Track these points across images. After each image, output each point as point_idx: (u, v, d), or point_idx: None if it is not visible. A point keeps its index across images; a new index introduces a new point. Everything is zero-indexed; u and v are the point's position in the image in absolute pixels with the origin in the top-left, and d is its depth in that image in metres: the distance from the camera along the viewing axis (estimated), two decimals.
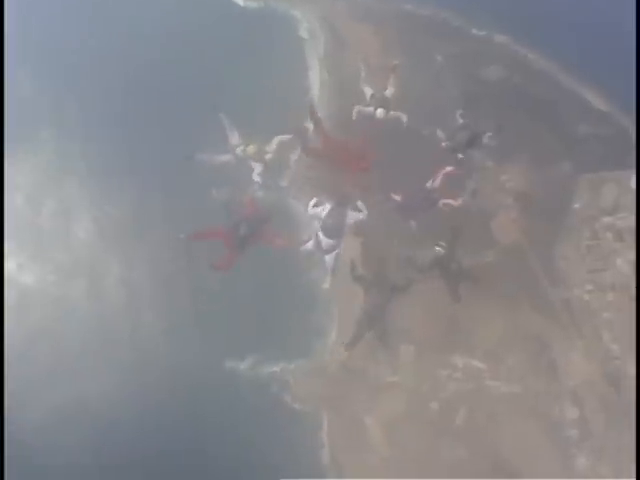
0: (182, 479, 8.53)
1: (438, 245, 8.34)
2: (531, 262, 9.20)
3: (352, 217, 8.10)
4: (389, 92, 8.95)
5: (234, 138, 8.62)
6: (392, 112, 8.71)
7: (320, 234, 8.19)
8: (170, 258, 9.24)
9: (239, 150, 8.46)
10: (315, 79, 9.85)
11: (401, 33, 10.31)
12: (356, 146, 8.42)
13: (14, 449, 8.05)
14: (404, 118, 8.81)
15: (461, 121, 8.93)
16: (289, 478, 8.12)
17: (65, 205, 9.34)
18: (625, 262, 8.64)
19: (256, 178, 8.48)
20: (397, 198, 8.43)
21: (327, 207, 8.26)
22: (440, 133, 8.71)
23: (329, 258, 8.10)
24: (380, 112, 8.75)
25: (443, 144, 8.93)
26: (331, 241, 8.05)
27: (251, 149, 8.53)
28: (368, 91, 9.02)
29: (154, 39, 9.82)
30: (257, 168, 8.51)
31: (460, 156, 8.81)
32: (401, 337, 8.65)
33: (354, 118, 8.81)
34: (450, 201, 8.11)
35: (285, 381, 8.57)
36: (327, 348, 8.71)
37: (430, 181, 8.31)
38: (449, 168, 8.06)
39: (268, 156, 8.75)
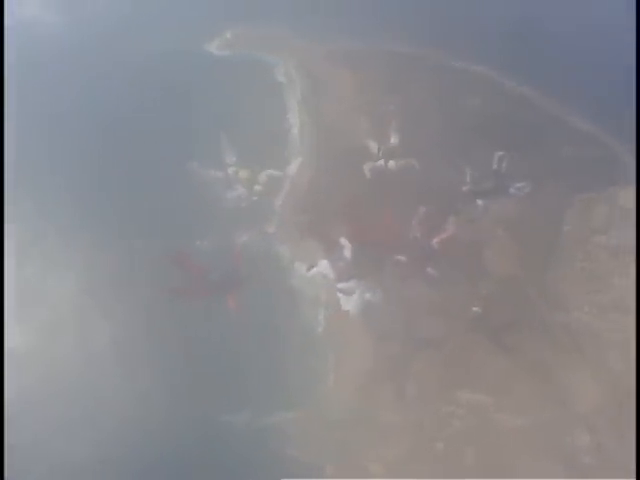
0: None
1: (475, 306, 8.75)
2: (527, 289, 9.15)
3: (347, 251, 8.56)
4: (394, 140, 9.46)
5: (230, 157, 9.01)
6: (402, 161, 9.25)
7: (340, 285, 8.57)
8: (161, 311, 9.51)
9: (231, 170, 8.92)
10: (295, 121, 10.56)
11: (379, 73, 11.02)
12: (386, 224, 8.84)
13: None
14: (416, 165, 9.24)
15: (495, 166, 9.32)
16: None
17: (49, 261, 9.46)
18: (622, 280, 8.83)
19: (230, 194, 8.70)
20: (402, 258, 8.89)
21: (325, 263, 8.80)
22: (468, 176, 9.07)
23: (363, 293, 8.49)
24: (392, 164, 9.22)
25: (464, 188, 9.29)
26: (352, 282, 8.41)
27: (243, 174, 8.95)
28: (373, 145, 9.55)
29: (134, 91, 9.79)
30: (238, 190, 8.87)
31: (479, 202, 9.01)
32: (402, 374, 8.69)
33: (369, 177, 9.25)
34: (441, 237, 8.66)
35: (284, 431, 8.28)
36: (326, 394, 8.45)
37: (412, 233, 8.78)
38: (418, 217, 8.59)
39: (257, 188, 9.06)
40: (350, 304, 8.31)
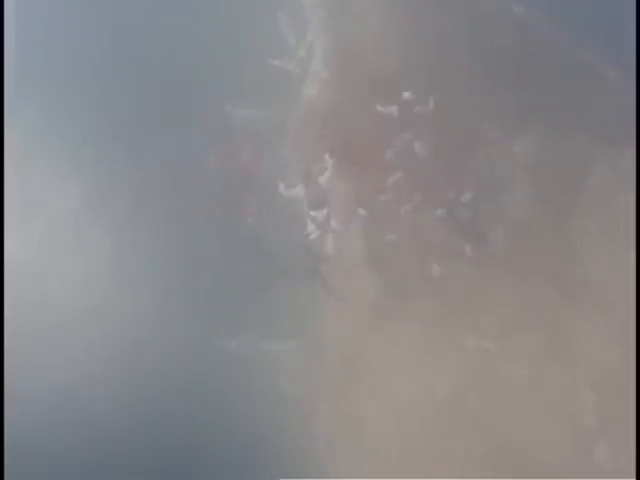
0: (170, 455, 7.47)
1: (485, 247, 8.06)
2: (546, 238, 8.89)
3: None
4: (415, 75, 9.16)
5: (291, 39, 9.03)
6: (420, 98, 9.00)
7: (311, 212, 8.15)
8: (165, 231, 8.94)
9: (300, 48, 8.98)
10: (318, 46, 10.23)
11: (409, 3, 10.59)
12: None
13: None
14: (432, 104, 8.97)
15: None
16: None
17: (55, 172, 8.91)
18: None
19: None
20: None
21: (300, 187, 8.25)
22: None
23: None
24: (408, 98, 9.04)
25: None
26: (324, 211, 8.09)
27: (301, 51, 9.11)
28: (392, 77, 9.03)
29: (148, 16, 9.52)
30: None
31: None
32: (405, 315, 8.74)
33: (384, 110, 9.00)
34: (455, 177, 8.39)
35: (278, 361, 8.03)
36: (326, 327, 8.20)
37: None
38: None
39: (312, 69, 8.99)
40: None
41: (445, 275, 8.34)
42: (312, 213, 7.86)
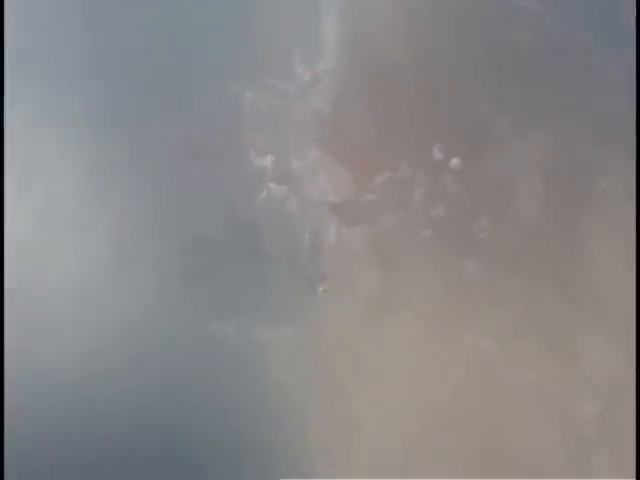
0: (159, 441, 8.16)
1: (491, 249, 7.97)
2: (554, 239, 8.68)
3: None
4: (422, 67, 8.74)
5: (298, 65, 8.50)
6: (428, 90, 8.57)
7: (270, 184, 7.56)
8: (161, 212, 9.09)
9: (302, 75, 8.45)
10: (330, 33, 10.01)
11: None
12: None
13: None
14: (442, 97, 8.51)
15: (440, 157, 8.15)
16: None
17: (50, 151, 9.35)
18: None
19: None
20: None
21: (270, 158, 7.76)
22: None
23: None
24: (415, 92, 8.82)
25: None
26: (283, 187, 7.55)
27: (307, 75, 8.58)
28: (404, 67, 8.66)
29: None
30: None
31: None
32: (406, 309, 8.31)
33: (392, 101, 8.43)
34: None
35: (272, 350, 8.33)
36: (323, 317, 8.38)
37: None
38: None
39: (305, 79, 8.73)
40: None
41: (444, 274, 8.22)
42: (272, 185, 7.43)
